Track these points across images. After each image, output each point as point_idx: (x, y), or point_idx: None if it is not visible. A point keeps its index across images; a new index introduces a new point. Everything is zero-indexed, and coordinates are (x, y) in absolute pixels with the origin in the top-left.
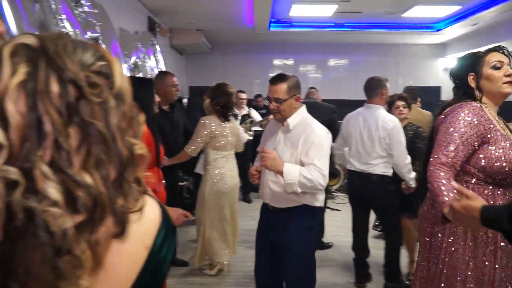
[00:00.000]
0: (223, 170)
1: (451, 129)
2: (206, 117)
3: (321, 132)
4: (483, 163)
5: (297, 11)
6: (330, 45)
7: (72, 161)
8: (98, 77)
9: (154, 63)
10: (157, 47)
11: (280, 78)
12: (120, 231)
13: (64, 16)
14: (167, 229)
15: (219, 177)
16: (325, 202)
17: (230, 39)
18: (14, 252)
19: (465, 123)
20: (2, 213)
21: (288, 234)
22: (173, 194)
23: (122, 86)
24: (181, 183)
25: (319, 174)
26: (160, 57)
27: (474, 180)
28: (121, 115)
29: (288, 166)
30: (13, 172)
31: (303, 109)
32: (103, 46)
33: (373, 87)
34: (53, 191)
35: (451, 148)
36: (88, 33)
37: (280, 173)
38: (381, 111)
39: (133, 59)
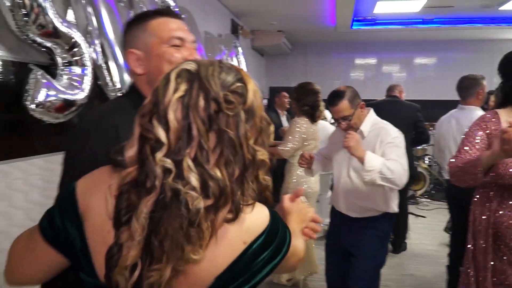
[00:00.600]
0: None
1: None
2: (299, 118)
3: (396, 134)
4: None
5: (381, 8)
6: (416, 42)
7: (209, 159)
8: (233, 96)
9: (236, 65)
10: (239, 49)
11: (338, 96)
12: (233, 218)
13: None
14: (269, 239)
15: (304, 180)
16: (408, 208)
17: (310, 39)
18: (161, 219)
19: None
20: (158, 190)
21: (363, 243)
22: None
23: (253, 103)
24: None
25: (401, 168)
26: (242, 58)
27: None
28: (250, 126)
29: (370, 153)
30: (168, 163)
31: (371, 113)
32: None
33: (468, 87)
34: (194, 179)
35: None
36: None
37: (362, 158)
38: (477, 113)
39: None
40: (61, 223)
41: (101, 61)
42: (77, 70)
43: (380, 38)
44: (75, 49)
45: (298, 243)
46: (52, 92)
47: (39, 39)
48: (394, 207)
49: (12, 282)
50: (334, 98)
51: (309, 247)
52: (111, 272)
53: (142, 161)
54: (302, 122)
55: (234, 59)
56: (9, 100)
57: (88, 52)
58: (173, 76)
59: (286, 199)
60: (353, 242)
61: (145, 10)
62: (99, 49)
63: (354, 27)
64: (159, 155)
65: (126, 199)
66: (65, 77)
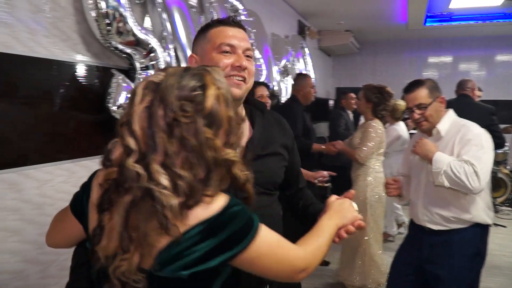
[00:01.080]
0: (382, 175)
1: None
2: (374, 121)
3: (479, 131)
4: None
5: (458, 3)
6: (497, 38)
7: (175, 163)
8: (190, 104)
9: (303, 66)
10: (306, 49)
11: (416, 83)
12: (190, 205)
13: None
14: (212, 228)
15: (380, 182)
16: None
17: (380, 37)
18: (136, 215)
19: None
20: (134, 190)
21: (450, 262)
22: (315, 195)
23: (214, 108)
24: (324, 184)
25: (471, 170)
26: (308, 59)
27: None
28: (215, 130)
29: (439, 154)
30: (138, 167)
31: (451, 112)
32: (256, 51)
33: None
34: (164, 180)
35: None
36: None
37: (430, 159)
38: None
39: (283, 62)
40: (81, 197)
41: (174, 65)
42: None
43: (456, 35)
44: (152, 54)
45: (298, 252)
46: None
47: (120, 46)
48: (483, 216)
49: (48, 244)
50: (412, 85)
51: (376, 256)
52: (94, 248)
53: (121, 164)
54: (379, 126)
55: (301, 60)
56: (93, 102)
57: (163, 57)
58: (139, 89)
59: (333, 196)
60: (435, 259)
61: (215, 15)
62: (172, 53)
63: (427, 24)
64: (130, 161)
65: (108, 194)
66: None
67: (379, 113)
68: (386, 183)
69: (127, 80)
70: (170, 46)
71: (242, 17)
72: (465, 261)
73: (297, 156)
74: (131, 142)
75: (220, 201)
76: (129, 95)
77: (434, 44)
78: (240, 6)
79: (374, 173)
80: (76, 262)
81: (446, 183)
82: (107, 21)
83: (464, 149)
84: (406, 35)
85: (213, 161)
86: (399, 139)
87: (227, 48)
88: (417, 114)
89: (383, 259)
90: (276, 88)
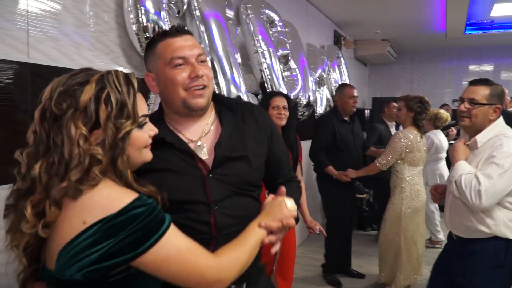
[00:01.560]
0: (418, 187)
1: None
2: (402, 131)
3: (510, 150)
4: None
5: (500, 10)
6: None
7: (37, 157)
8: (67, 98)
9: (338, 75)
10: (342, 59)
11: (483, 81)
12: (55, 205)
13: (260, 37)
14: (109, 228)
15: (416, 195)
16: None
17: (417, 46)
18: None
19: None
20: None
21: (470, 270)
22: (352, 206)
23: (87, 105)
24: (360, 195)
25: (477, 188)
26: (344, 69)
27: None
28: (87, 127)
29: (461, 163)
30: (18, 154)
31: (499, 122)
32: (292, 61)
33: None
34: (23, 170)
35: None
36: (279, 50)
37: (453, 165)
38: None
39: (319, 72)
40: None
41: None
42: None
43: (498, 43)
44: None
45: (208, 262)
46: None
47: None
48: (503, 230)
49: None
50: (479, 80)
51: (419, 252)
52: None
53: None
54: (410, 135)
55: (337, 69)
56: None
57: None
58: (51, 85)
59: (269, 196)
60: (460, 269)
61: (251, 26)
62: (209, 64)
63: (467, 32)
64: (18, 151)
65: None
66: None
67: (421, 122)
68: (432, 193)
69: None
70: (208, 58)
71: (279, 28)
72: (486, 272)
73: (278, 146)
74: (30, 135)
75: (122, 200)
76: None
77: (474, 53)
78: (276, 17)
79: (410, 186)
80: None
81: (456, 192)
82: (147, 35)
83: (485, 164)
84: (445, 44)
85: (78, 158)
86: (433, 147)
87: (180, 61)
88: (464, 106)
89: (410, 265)
90: (311, 98)
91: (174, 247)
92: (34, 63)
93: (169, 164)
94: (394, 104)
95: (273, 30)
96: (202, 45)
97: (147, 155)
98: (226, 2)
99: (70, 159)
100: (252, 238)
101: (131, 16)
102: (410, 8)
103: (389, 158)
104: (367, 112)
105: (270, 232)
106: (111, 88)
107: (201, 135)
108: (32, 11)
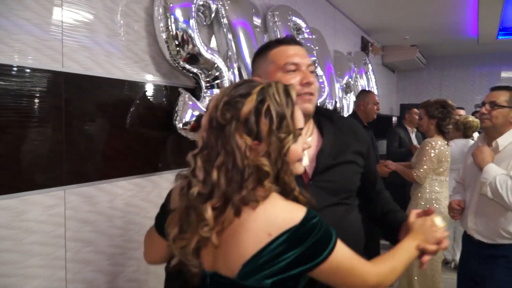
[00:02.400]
0: (439, 196)
1: None
2: (432, 139)
3: None
4: None
5: None
6: None
7: (213, 165)
8: (230, 109)
9: (366, 82)
10: (369, 66)
11: (505, 87)
12: (235, 212)
13: None
14: (297, 237)
15: (434, 203)
16: None
17: (447, 52)
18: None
19: None
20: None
21: (494, 273)
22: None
23: (249, 117)
24: None
25: None
26: (371, 75)
27: None
28: (251, 137)
29: (491, 166)
30: (190, 159)
31: None
32: (318, 68)
33: None
34: (199, 173)
35: None
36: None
37: (481, 168)
38: None
39: (346, 79)
40: (161, 216)
41: None
42: (217, 92)
43: None
44: (217, 73)
45: (369, 268)
46: (196, 113)
47: (187, 66)
48: None
49: (147, 262)
50: (500, 87)
51: (436, 271)
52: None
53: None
54: (439, 143)
55: (364, 76)
56: (161, 120)
57: (228, 75)
58: (215, 95)
59: (413, 213)
60: (481, 271)
61: (278, 33)
62: (236, 72)
63: (500, 38)
64: (190, 154)
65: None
66: (207, 98)
67: (445, 128)
68: (450, 206)
69: (193, 99)
70: (235, 65)
71: (306, 35)
72: (509, 274)
73: (374, 163)
74: (199, 140)
75: (299, 212)
76: (195, 113)
77: (507, 58)
78: (303, 24)
79: (428, 194)
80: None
81: (489, 194)
82: (176, 42)
83: None
84: (477, 49)
85: (247, 169)
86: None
87: (292, 67)
88: (485, 109)
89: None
90: (338, 105)
91: (343, 254)
92: (68, 72)
93: None
94: (415, 110)
95: (300, 37)
96: (229, 53)
97: (300, 168)
98: (254, 10)
99: (243, 168)
100: (407, 255)
101: (161, 24)
102: (441, 13)
103: (425, 168)
104: (394, 119)
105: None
106: (271, 101)
107: None
108: (66, 21)
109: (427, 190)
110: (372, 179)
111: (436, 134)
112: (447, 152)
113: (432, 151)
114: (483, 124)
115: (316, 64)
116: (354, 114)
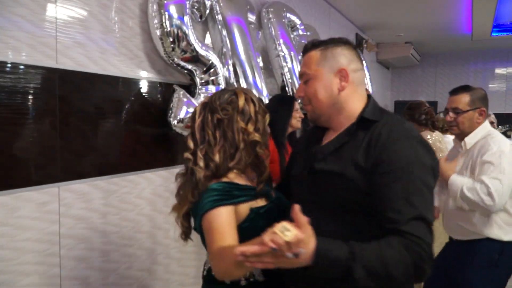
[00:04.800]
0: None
1: None
2: (422, 133)
3: (500, 148)
4: None
5: None
6: None
7: (213, 150)
8: (229, 106)
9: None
10: (364, 62)
11: (462, 88)
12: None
13: (281, 41)
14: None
15: None
16: None
17: (442, 49)
18: (184, 183)
19: None
20: (186, 170)
21: (464, 269)
22: None
23: (244, 107)
24: None
25: (484, 189)
26: (366, 72)
27: None
28: (246, 121)
29: (454, 177)
30: (188, 155)
31: (485, 125)
32: None
33: None
34: (201, 162)
35: None
36: (301, 54)
37: (446, 181)
38: None
39: None
40: None
41: (233, 80)
42: (212, 89)
43: None
44: (212, 70)
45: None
46: (191, 110)
47: (182, 63)
48: (497, 232)
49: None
50: (458, 89)
51: None
52: None
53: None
54: (427, 136)
55: None
56: (156, 117)
57: (222, 72)
58: (197, 108)
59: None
60: (456, 267)
61: (273, 30)
62: (231, 68)
63: (494, 34)
64: (186, 154)
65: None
66: (202, 95)
67: (421, 120)
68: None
69: (188, 95)
70: (229, 62)
71: (300, 32)
72: (481, 272)
73: (384, 186)
74: (190, 144)
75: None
76: (189, 110)
77: (501, 55)
78: (297, 21)
79: None
80: None
81: (465, 206)
82: (171, 39)
83: (482, 167)
84: (471, 46)
85: (243, 143)
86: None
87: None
88: (450, 117)
89: None
90: None
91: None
92: (62, 69)
93: None
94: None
95: (295, 34)
96: (224, 49)
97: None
98: (248, 7)
99: (238, 144)
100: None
101: (155, 21)
102: (435, 10)
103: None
104: None
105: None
106: (251, 95)
107: None
108: (60, 18)
109: None
110: (378, 204)
111: (423, 129)
112: (438, 144)
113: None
114: (453, 132)
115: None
116: None
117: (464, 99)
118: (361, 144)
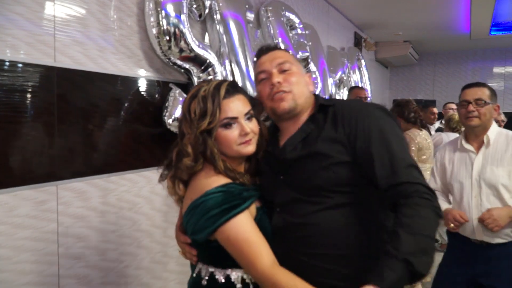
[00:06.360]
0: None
1: None
2: (409, 131)
3: None
4: None
5: None
6: None
7: (185, 140)
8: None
9: (359, 78)
10: (362, 61)
11: (480, 83)
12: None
13: (280, 39)
14: (196, 207)
15: None
16: None
17: (440, 48)
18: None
19: None
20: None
21: (508, 274)
22: None
23: (189, 106)
24: None
25: None
26: (364, 71)
27: None
28: (197, 117)
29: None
30: (174, 147)
31: (494, 122)
32: (311, 64)
33: None
34: (189, 151)
35: None
36: (299, 53)
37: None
38: None
39: (339, 74)
40: None
41: (230, 79)
42: None
43: None
44: (209, 69)
45: (262, 261)
46: None
47: (179, 62)
48: None
49: None
50: (476, 83)
51: None
52: None
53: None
54: (415, 133)
55: (357, 71)
56: (154, 115)
57: (220, 71)
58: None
59: None
60: (492, 272)
61: (271, 29)
62: (229, 67)
63: (492, 33)
64: (173, 145)
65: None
66: None
67: (410, 118)
68: (452, 217)
69: (184, 94)
70: (227, 61)
71: (299, 31)
72: None
73: (371, 147)
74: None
75: (211, 185)
76: None
77: (499, 54)
78: (296, 20)
79: None
80: None
81: None
82: (167, 38)
83: None
84: (469, 45)
85: (199, 134)
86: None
87: (263, 76)
88: (473, 106)
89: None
90: None
91: (246, 230)
92: (60, 67)
93: None
94: (432, 109)
95: (293, 32)
96: (222, 49)
97: (244, 150)
98: (247, 6)
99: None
100: None
101: (152, 19)
102: (433, 9)
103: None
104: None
105: None
106: (199, 91)
107: None
108: (59, 16)
109: None
110: (371, 168)
111: (410, 127)
112: (424, 142)
113: (411, 142)
114: (472, 122)
115: (309, 60)
116: None
117: (486, 92)
118: (324, 124)
